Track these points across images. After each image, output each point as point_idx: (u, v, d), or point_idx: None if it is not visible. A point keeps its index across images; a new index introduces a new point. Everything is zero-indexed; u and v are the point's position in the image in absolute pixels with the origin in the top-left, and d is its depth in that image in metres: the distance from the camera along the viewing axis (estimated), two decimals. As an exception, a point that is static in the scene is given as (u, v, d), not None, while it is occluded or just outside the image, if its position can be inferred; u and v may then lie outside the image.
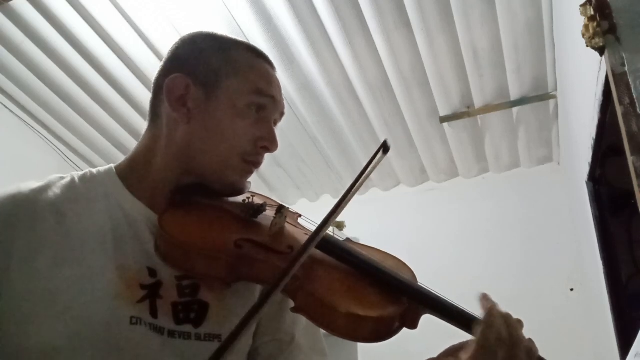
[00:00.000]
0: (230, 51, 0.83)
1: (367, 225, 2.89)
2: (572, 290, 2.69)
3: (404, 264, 0.83)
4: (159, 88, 0.81)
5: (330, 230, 2.90)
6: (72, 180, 0.80)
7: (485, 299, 0.72)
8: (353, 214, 2.59)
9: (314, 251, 0.75)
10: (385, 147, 0.80)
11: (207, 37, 0.85)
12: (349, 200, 0.72)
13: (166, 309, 0.72)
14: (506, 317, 0.69)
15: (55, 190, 0.77)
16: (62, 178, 0.80)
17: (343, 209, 0.71)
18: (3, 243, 0.70)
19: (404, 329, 0.73)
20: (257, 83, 0.81)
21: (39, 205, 0.74)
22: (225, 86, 0.79)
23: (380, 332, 0.69)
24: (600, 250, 1.68)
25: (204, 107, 0.79)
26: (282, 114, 0.86)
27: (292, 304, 0.71)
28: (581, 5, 1.18)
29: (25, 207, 0.73)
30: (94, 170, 0.83)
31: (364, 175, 0.76)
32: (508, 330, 0.67)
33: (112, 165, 0.84)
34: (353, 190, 0.73)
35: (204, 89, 0.79)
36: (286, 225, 0.82)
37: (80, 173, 0.82)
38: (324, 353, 0.84)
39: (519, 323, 0.70)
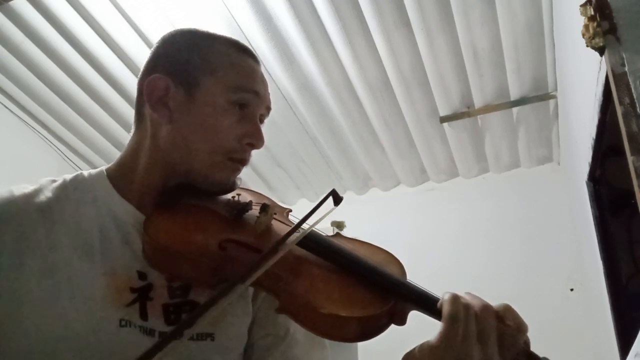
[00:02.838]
0: (210, 47, 0.81)
1: (367, 225, 2.89)
2: (572, 290, 2.69)
3: (393, 257, 0.81)
4: (141, 89, 0.80)
5: (330, 231, 2.89)
6: (63, 184, 0.79)
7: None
8: (353, 214, 2.60)
9: (298, 250, 0.74)
10: (335, 197, 0.81)
11: (186, 34, 0.83)
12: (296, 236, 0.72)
13: (157, 311, 0.72)
14: (472, 297, 0.67)
15: (47, 193, 0.76)
16: (53, 181, 0.79)
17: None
18: None
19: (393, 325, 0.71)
20: (238, 79, 0.79)
21: (28, 211, 0.73)
22: (206, 84, 0.78)
23: (366, 331, 0.68)
24: (600, 250, 1.68)
25: (186, 106, 0.78)
26: (268, 108, 0.84)
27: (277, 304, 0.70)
28: (581, 5, 1.18)
29: (15, 211, 0.72)
30: (85, 173, 0.82)
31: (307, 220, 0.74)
32: (474, 305, 0.65)
33: (103, 168, 0.83)
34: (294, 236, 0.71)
35: (184, 87, 0.78)
36: (274, 222, 0.80)
37: (72, 176, 0.81)
38: (323, 345, 0.82)
39: (508, 309, 0.67)
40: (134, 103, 0.83)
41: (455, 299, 0.65)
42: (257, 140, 0.80)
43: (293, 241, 0.68)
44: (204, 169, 0.78)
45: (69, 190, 0.78)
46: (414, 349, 0.66)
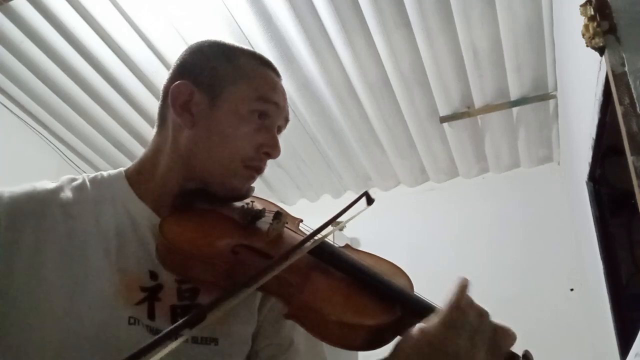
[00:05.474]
0: (235, 58, 0.84)
1: (367, 226, 2.88)
2: (572, 290, 2.68)
3: (401, 270, 0.83)
4: (166, 94, 0.83)
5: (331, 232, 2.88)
6: (83, 183, 0.81)
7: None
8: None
9: (309, 258, 0.75)
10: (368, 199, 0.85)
11: (213, 44, 0.87)
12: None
13: (164, 312, 0.73)
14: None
15: (67, 192, 0.79)
16: (73, 180, 0.82)
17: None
18: (12, 233, 0.71)
19: None
20: (260, 90, 0.82)
21: (50, 205, 0.75)
22: (229, 93, 0.81)
23: (373, 340, 0.69)
24: (600, 250, 1.68)
25: (208, 113, 0.80)
26: (286, 120, 0.87)
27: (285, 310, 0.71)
28: (581, 5, 1.18)
29: (38, 204, 0.75)
30: (105, 174, 0.85)
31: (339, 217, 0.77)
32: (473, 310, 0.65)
33: (122, 169, 0.86)
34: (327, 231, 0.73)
35: (208, 95, 0.81)
36: (286, 230, 0.81)
37: (92, 175, 0.84)
38: (323, 358, 0.84)
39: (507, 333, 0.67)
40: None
41: (464, 287, 0.65)
42: (273, 150, 0.83)
43: (304, 249, 0.68)
44: (221, 175, 0.80)
45: (89, 189, 0.80)
46: (411, 332, 0.65)
